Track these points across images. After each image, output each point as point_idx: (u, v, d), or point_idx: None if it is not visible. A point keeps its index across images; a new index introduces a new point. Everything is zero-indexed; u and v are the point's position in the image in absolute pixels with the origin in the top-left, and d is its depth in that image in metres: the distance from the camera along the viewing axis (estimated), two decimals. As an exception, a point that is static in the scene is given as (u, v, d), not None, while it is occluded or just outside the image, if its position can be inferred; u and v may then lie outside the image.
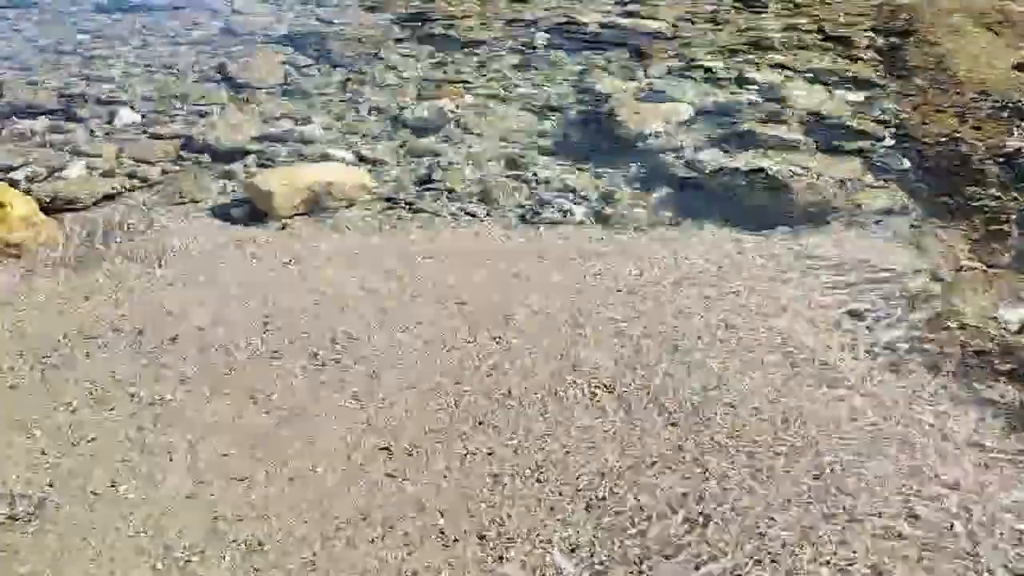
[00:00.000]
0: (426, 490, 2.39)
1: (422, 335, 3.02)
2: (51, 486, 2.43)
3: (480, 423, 2.63)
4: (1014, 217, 3.73)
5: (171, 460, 2.51)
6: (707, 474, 2.43)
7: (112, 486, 2.42)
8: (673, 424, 2.61)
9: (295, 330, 3.05)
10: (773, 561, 2.17)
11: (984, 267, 3.41)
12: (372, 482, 2.43)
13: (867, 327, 3.05)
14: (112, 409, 2.70)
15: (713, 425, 2.60)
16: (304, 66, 5.33)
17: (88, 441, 2.58)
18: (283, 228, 3.74)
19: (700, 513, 2.30)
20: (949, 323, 3.05)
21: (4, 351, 2.96)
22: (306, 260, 3.48)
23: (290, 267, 3.44)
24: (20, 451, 2.55)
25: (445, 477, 2.44)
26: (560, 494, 2.37)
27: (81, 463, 2.51)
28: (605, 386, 2.76)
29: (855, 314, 3.11)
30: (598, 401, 2.70)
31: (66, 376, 2.85)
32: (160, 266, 3.44)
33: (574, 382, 2.78)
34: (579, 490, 2.38)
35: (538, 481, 2.42)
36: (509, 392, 2.74)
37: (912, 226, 3.71)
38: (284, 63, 5.35)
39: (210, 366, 2.88)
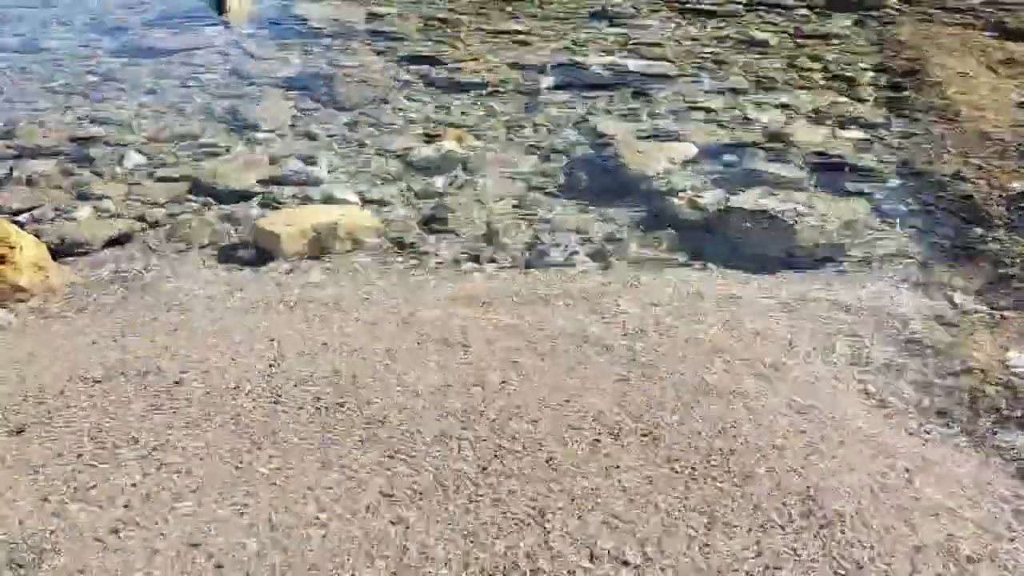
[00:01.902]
0: (431, 537, 2.37)
1: (427, 379, 3.01)
2: (52, 533, 2.41)
3: (484, 469, 2.61)
4: (1020, 259, 3.72)
5: (174, 507, 2.49)
6: (712, 523, 2.40)
7: (114, 533, 2.40)
8: (678, 473, 2.58)
9: (300, 374, 3.04)
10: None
11: (991, 310, 3.40)
12: (377, 529, 2.40)
13: (873, 372, 3.03)
14: (115, 454, 2.69)
15: (719, 472, 2.57)
16: (311, 109, 5.39)
17: (90, 487, 2.57)
18: (289, 271, 3.75)
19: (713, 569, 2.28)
20: (957, 368, 3.03)
21: (8, 394, 2.96)
22: (311, 303, 3.49)
23: (295, 310, 3.44)
24: (22, 496, 2.53)
25: (450, 525, 2.41)
26: (564, 542, 2.35)
27: (83, 509, 2.49)
28: (610, 433, 2.74)
29: (861, 358, 3.09)
30: (603, 448, 2.68)
31: (70, 420, 2.84)
32: (166, 309, 3.45)
33: (579, 429, 2.77)
34: (583, 539, 2.36)
35: (544, 529, 2.39)
36: (514, 438, 2.73)
37: (917, 268, 3.71)
38: (292, 106, 5.41)
39: (214, 411, 2.87)
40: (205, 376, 3.04)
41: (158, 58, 6.20)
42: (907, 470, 2.60)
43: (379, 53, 6.32)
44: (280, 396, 2.93)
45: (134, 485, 2.57)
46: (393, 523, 2.42)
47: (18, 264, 3.54)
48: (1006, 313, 3.37)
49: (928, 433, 2.76)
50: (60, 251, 3.83)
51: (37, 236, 3.81)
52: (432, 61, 6.09)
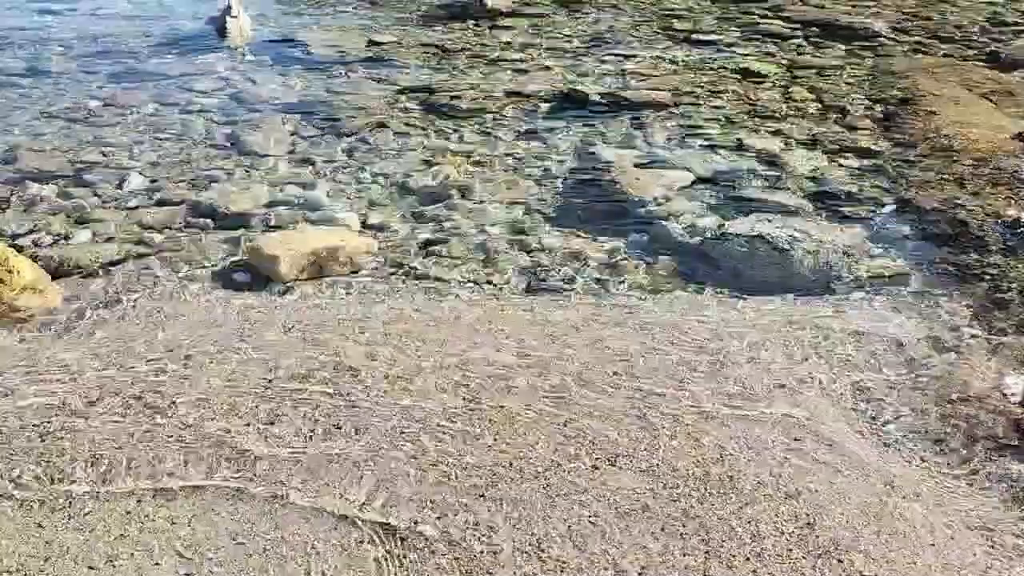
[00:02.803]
0: (428, 569, 2.35)
1: (424, 404, 3.00)
2: (47, 560, 2.40)
3: (482, 496, 2.60)
4: (1016, 284, 3.74)
5: (168, 536, 2.47)
6: (708, 552, 2.39)
7: (110, 561, 2.38)
8: (675, 500, 2.58)
9: (296, 398, 3.03)
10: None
11: (988, 336, 3.41)
12: (373, 560, 2.39)
13: (870, 398, 3.03)
14: (110, 480, 2.68)
15: (716, 500, 2.57)
16: (311, 135, 5.42)
17: (85, 514, 2.55)
18: (286, 293, 3.76)
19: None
20: (953, 394, 3.04)
21: (3, 418, 2.95)
22: (309, 326, 3.49)
23: (293, 333, 3.44)
24: (15, 524, 2.52)
25: (445, 555, 2.40)
26: (562, 571, 2.33)
27: (77, 537, 2.47)
28: (608, 459, 2.74)
29: (857, 385, 3.10)
30: (601, 474, 2.67)
31: (64, 444, 2.82)
32: (162, 332, 3.45)
33: (576, 455, 2.76)
34: (581, 570, 2.34)
35: (540, 560, 2.38)
36: (511, 464, 2.72)
37: (914, 294, 3.72)
38: (291, 131, 5.45)
39: (209, 435, 2.86)
40: (201, 398, 3.03)
41: (159, 83, 6.24)
42: (904, 497, 2.59)
43: (378, 80, 6.37)
44: (275, 419, 2.92)
45: (128, 512, 2.55)
46: (387, 554, 2.41)
47: (15, 287, 3.54)
48: (1003, 339, 3.38)
49: (924, 460, 2.76)
50: (58, 274, 3.83)
51: (35, 259, 3.81)
52: (431, 88, 6.14)
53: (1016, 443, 2.79)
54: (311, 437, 2.83)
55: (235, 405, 2.99)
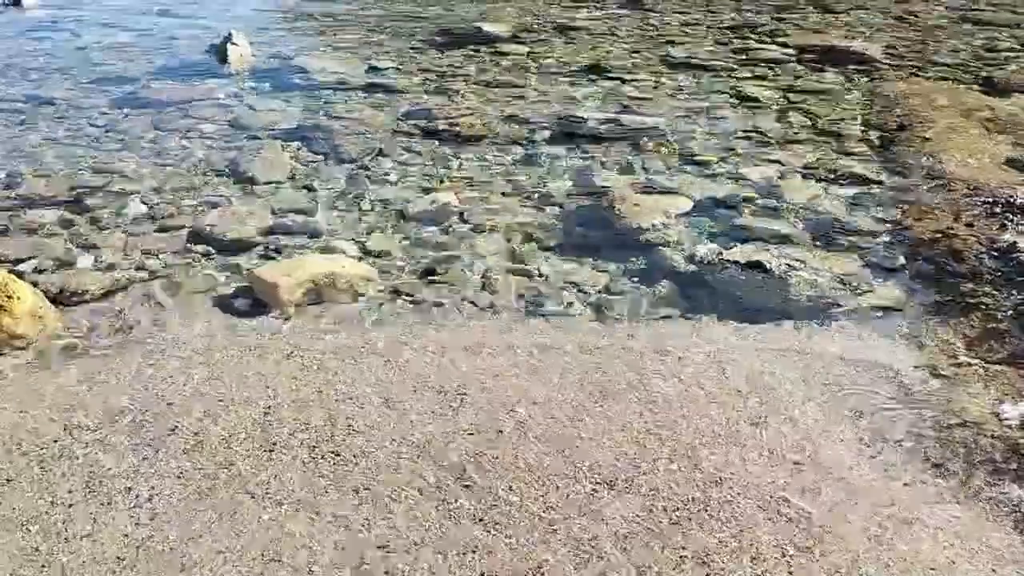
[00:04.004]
0: (425, 591, 2.36)
1: (423, 429, 3.01)
2: (44, 585, 2.40)
3: (480, 520, 2.60)
4: (1011, 313, 3.76)
5: (166, 560, 2.47)
6: (709, 574, 2.39)
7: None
8: (675, 523, 2.58)
9: (295, 423, 3.04)
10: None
11: (983, 363, 3.42)
12: (370, 583, 2.39)
13: (868, 424, 3.04)
14: (108, 504, 2.68)
15: (715, 525, 2.57)
16: (311, 161, 5.46)
17: (82, 537, 2.56)
18: (286, 320, 3.77)
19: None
20: (950, 421, 3.04)
21: (3, 443, 2.95)
22: (308, 352, 3.50)
23: (292, 359, 3.45)
24: (14, 547, 2.52)
25: (444, 578, 2.40)
26: (561, 596, 2.34)
27: (75, 561, 2.47)
28: (607, 483, 2.74)
29: (855, 413, 3.11)
30: (599, 499, 2.68)
31: (63, 469, 2.83)
32: (162, 358, 3.46)
33: (575, 478, 2.76)
34: (580, 592, 2.35)
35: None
36: (510, 488, 2.72)
37: (909, 322, 3.74)
38: (291, 157, 5.48)
39: (208, 460, 2.87)
40: (200, 425, 3.04)
41: (160, 109, 6.29)
42: (904, 523, 2.59)
43: (378, 106, 6.42)
44: (275, 445, 2.93)
45: (126, 535, 2.56)
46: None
47: (15, 313, 3.55)
48: (999, 366, 3.39)
49: (924, 485, 2.77)
50: (59, 300, 3.85)
51: (36, 285, 3.83)
52: (430, 114, 6.19)
53: (1014, 468, 2.80)
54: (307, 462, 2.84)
55: (234, 431, 3.00)
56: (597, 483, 2.74)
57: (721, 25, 8.80)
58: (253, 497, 2.70)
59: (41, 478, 2.79)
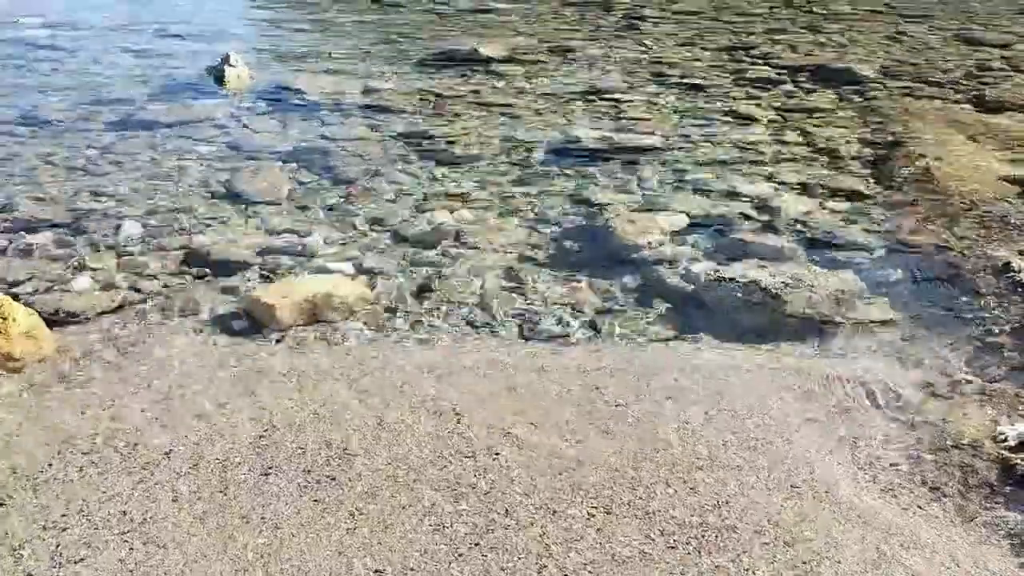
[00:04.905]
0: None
1: (419, 451, 3.00)
2: (36, 612, 2.37)
3: (477, 544, 2.58)
4: (1007, 329, 3.76)
5: (160, 584, 2.46)
6: (708, 598, 2.37)
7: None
8: (672, 547, 2.56)
9: (291, 446, 3.03)
10: None
11: (980, 381, 3.41)
12: (365, 608, 2.37)
13: (865, 447, 3.03)
14: (102, 528, 2.66)
15: (712, 550, 2.55)
16: (307, 181, 5.47)
17: (76, 562, 2.53)
18: (281, 340, 3.76)
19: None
20: (947, 440, 3.04)
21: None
22: (304, 373, 3.49)
23: (288, 381, 3.44)
24: (6, 572, 2.49)
25: (440, 602, 2.38)
26: (558, 620, 2.32)
27: (68, 587, 2.45)
28: (604, 507, 2.73)
29: (852, 434, 3.10)
30: (597, 522, 2.66)
31: (58, 493, 2.81)
32: (157, 379, 3.44)
33: (572, 502, 2.75)
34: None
35: (535, 606, 2.36)
36: (507, 512, 2.71)
37: (905, 340, 3.74)
38: (288, 178, 5.49)
39: (203, 484, 2.85)
40: (195, 448, 3.02)
41: (156, 131, 6.30)
42: (902, 547, 2.58)
43: (374, 126, 6.44)
44: (270, 469, 2.91)
45: (121, 560, 2.53)
46: (383, 600, 2.39)
47: (10, 334, 3.54)
48: (996, 384, 3.39)
49: (921, 508, 2.75)
50: (54, 321, 3.83)
51: (31, 306, 3.82)
52: (426, 134, 6.21)
53: (1011, 490, 2.78)
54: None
55: (229, 454, 2.98)
56: (594, 507, 2.73)
57: (715, 47, 8.86)
58: (248, 521, 2.68)
59: (34, 502, 2.77)
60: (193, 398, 3.31)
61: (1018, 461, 2.88)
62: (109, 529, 2.66)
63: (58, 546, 2.59)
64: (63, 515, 2.71)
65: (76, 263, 4.44)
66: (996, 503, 2.74)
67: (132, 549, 2.58)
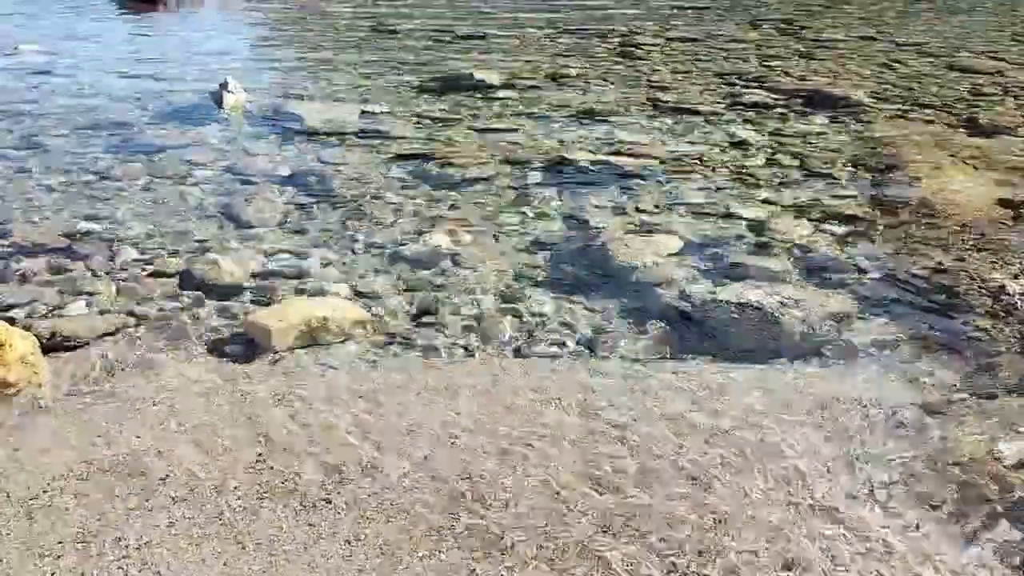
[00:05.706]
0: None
1: (416, 473, 2.98)
2: (30, 639, 2.35)
3: (473, 571, 2.56)
4: (1004, 348, 3.77)
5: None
6: (708, 622, 2.36)
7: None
8: (672, 570, 2.55)
9: (288, 470, 3.01)
10: None
11: (978, 400, 3.42)
12: (362, 633, 2.35)
13: (865, 467, 3.02)
14: (98, 555, 2.64)
15: (713, 570, 2.54)
16: (305, 204, 5.48)
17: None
18: (277, 363, 3.75)
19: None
20: (947, 460, 3.03)
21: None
22: (300, 397, 3.48)
23: (284, 404, 3.43)
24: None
25: (438, 627, 2.36)
26: (557, 645, 2.30)
27: (62, 614, 2.43)
28: (603, 528, 2.71)
29: (852, 453, 3.09)
30: (598, 541, 2.65)
31: (53, 520, 2.79)
32: (153, 404, 3.43)
33: (571, 523, 2.73)
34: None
35: (534, 631, 2.34)
36: (502, 535, 2.69)
37: (903, 359, 3.74)
38: (285, 201, 5.50)
39: (199, 509, 2.83)
40: (191, 473, 3.00)
41: (154, 154, 6.32)
42: (905, 569, 2.57)
43: (372, 150, 6.47)
44: (266, 494, 2.89)
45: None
46: (381, 625, 2.37)
47: (6, 360, 3.52)
48: (994, 402, 3.39)
49: (920, 526, 2.74)
50: (50, 346, 3.82)
51: (28, 330, 3.80)
52: (423, 157, 6.24)
53: (1012, 508, 2.78)
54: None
55: (225, 479, 2.97)
56: (595, 525, 2.71)
57: (710, 72, 8.95)
58: (244, 548, 2.66)
59: (29, 529, 2.75)
60: (189, 423, 3.30)
61: (1018, 480, 2.87)
62: (105, 556, 2.63)
63: (53, 574, 2.57)
64: (58, 542, 2.69)
65: (72, 288, 4.43)
66: (997, 522, 2.73)
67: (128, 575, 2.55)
